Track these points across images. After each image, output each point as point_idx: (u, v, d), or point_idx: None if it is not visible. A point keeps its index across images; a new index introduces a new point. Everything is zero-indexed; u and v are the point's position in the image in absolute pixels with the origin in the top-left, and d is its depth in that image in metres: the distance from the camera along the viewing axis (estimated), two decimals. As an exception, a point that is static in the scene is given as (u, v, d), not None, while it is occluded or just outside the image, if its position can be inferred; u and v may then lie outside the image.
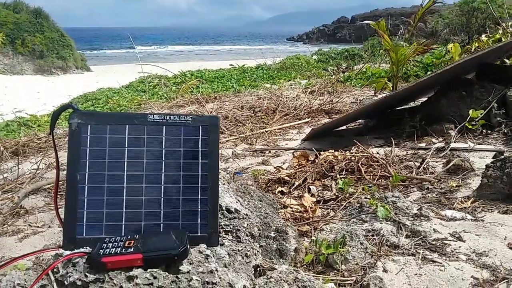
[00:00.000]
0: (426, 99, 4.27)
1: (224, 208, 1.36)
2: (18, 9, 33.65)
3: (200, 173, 1.17)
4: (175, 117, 1.18)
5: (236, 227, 1.32)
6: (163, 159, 1.16)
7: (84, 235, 1.13)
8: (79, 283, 1.01)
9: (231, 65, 18.12)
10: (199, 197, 1.16)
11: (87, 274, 1.01)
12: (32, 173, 4.02)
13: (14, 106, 16.20)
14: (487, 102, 3.68)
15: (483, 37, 6.67)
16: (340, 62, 17.45)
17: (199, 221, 1.15)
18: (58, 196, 1.49)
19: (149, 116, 1.17)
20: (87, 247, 1.09)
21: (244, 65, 17.39)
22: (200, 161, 1.17)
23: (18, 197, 3.38)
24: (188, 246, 1.06)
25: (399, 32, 8.01)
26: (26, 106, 16.04)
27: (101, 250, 1.04)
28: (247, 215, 1.40)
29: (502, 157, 2.44)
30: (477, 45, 6.61)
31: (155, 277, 1.00)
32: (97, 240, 1.10)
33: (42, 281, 1.04)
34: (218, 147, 1.19)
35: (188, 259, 1.07)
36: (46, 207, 3.30)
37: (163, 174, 1.16)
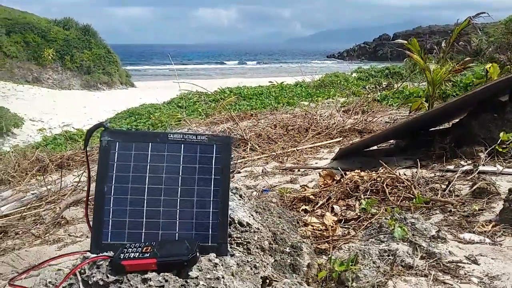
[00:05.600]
0: (457, 120, 4.25)
1: (236, 222, 1.47)
2: (68, 26, 35.45)
3: (212, 188, 1.29)
4: (192, 136, 1.31)
5: (247, 240, 1.43)
6: (180, 174, 1.30)
7: (109, 240, 1.27)
8: (101, 283, 1.15)
9: (270, 82, 18.28)
10: (211, 210, 1.28)
11: (108, 275, 1.15)
12: (74, 186, 4.27)
13: (62, 120, 17.01)
14: (519, 125, 3.64)
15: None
16: (380, 80, 17.28)
17: (210, 232, 1.28)
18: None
19: (170, 135, 1.31)
20: (111, 251, 1.24)
21: (282, 82, 17.52)
22: (213, 177, 1.30)
23: (60, 208, 3.61)
24: (198, 254, 1.18)
25: (434, 52, 7.93)
26: (73, 121, 16.81)
27: (121, 254, 1.18)
28: (258, 229, 1.50)
29: (525, 181, 2.43)
30: (516, 65, 6.49)
31: (166, 280, 1.13)
32: (120, 245, 1.24)
33: (70, 280, 1.18)
34: (230, 164, 1.31)
35: (198, 266, 1.19)
36: (85, 218, 3.51)
37: (179, 188, 1.29)
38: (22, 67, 32.34)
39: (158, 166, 1.30)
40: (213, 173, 1.30)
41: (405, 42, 5.87)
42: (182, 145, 1.31)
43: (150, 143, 1.30)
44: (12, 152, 6.44)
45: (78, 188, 4.16)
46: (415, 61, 5.81)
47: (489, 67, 6.34)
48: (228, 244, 1.37)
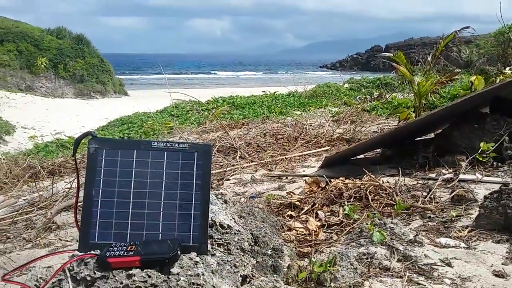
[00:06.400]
0: (440, 131, 4.38)
1: (218, 224, 1.57)
2: (61, 35, 35.53)
3: (194, 192, 1.39)
4: (175, 144, 1.41)
5: (228, 241, 1.52)
6: (164, 179, 1.39)
7: (96, 240, 1.36)
8: (88, 278, 1.23)
9: (263, 91, 18.39)
10: (192, 212, 1.38)
11: (95, 271, 1.24)
12: (65, 192, 4.34)
13: (54, 128, 17.01)
14: (498, 135, 3.77)
15: (507, 70, 6.70)
16: (371, 90, 17.45)
17: (191, 233, 1.37)
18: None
19: (153, 143, 1.41)
20: (98, 250, 1.32)
21: (275, 92, 17.63)
22: (194, 181, 1.39)
23: (51, 213, 3.67)
24: (179, 252, 1.27)
25: (419, 64, 8.11)
26: (65, 128, 16.82)
27: (107, 252, 1.27)
28: (239, 231, 1.60)
29: (499, 188, 2.54)
30: (501, 78, 6.65)
31: (149, 276, 1.22)
32: (106, 245, 1.33)
33: (60, 276, 1.26)
34: (210, 170, 1.40)
35: (179, 263, 1.28)
36: (74, 219, 3.58)
37: (163, 192, 1.38)
38: (15, 76, 32.31)
39: (143, 171, 1.39)
40: (194, 178, 1.40)
41: (391, 54, 6.01)
42: (165, 152, 1.40)
43: (135, 150, 1.40)
44: (3, 158, 6.48)
45: (69, 194, 4.22)
46: (402, 73, 5.95)
47: (474, 79, 6.50)
48: (209, 245, 1.46)
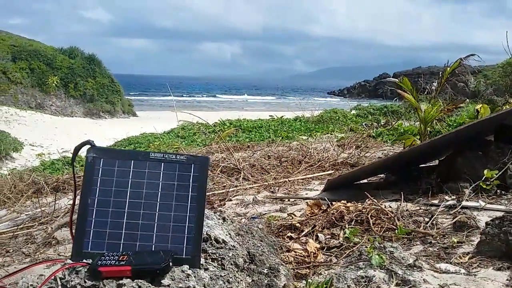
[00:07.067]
0: (444, 157, 4.36)
1: (212, 238, 1.56)
2: (74, 54, 36.17)
3: (189, 204, 1.39)
4: (172, 156, 1.42)
5: (222, 256, 1.52)
6: (159, 190, 1.40)
7: (89, 249, 1.36)
8: (79, 287, 1.23)
9: (271, 116, 18.47)
10: (187, 224, 1.38)
11: (86, 280, 1.23)
12: (67, 208, 4.34)
13: (62, 146, 17.12)
14: (503, 163, 3.74)
15: (513, 99, 6.70)
16: (378, 117, 17.46)
17: (184, 245, 1.36)
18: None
19: (151, 154, 1.42)
20: (90, 259, 1.32)
21: (282, 116, 17.70)
22: (190, 193, 1.40)
23: (51, 228, 3.67)
24: (171, 264, 1.27)
25: (425, 91, 8.13)
26: (72, 147, 16.86)
27: (99, 262, 1.26)
28: (234, 246, 1.59)
29: (501, 215, 2.51)
30: (507, 107, 6.65)
31: (139, 287, 1.21)
32: (99, 254, 1.33)
33: (50, 284, 1.26)
34: (206, 182, 1.41)
35: (171, 275, 1.27)
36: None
37: (158, 203, 1.39)
38: (26, 93, 32.81)
39: (139, 182, 1.40)
40: (190, 190, 1.40)
41: (397, 80, 6.05)
42: (162, 163, 1.41)
43: (132, 161, 1.41)
44: (9, 174, 6.53)
45: (74, 211, 4.22)
46: (407, 99, 5.97)
47: (480, 107, 6.50)
48: (203, 259, 1.45)
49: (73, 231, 1.40)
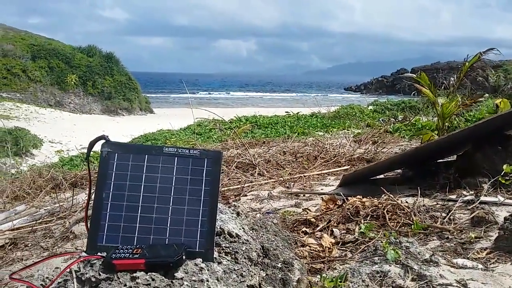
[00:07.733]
0: (462, 152, 4.29)
1: (226, 232, 1.56)
2: (92, 53, 36.66)
3: (202, 198, 1.40)
4: (186, 150, 1.42)
5: (235, 250, 1.52)
6: (173, 184, 1.40)
7: (104, 243, 1.37)
8: (93, 279, 1.25)
9: (287, 112, 18.41)
10: (200, 218, 1.38)
11: (100, 273, 1.25)
12: (85, 202, 4.41)
13: (80, 143, 17.36)
14: (522, 158, 3.67)
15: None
16: (396, 113, 17.26)
17: (198, 239, 1.37)
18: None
19: (164, 148, 1.43)
20: (105, 252, 1.34)
21: (298, 112, 17.63)
22: (203, 188, 1.40)
23: (69, 222, 3.73)
24: (184, 257, 1.28)
25: (443, 86, 8.01)
26: (90, 143, 17.10)
27: (113, 255, 1.28)
28: (247, 240, 1.59)
29: (520, 210, 2.46)
30: (528, 101, 6.50)
31: (153, 279, 1.22)
32: (113, 247, 1.34)
33: (66, 277, 1.28)
34: (219, 177, 1.41)
35: (184, 268, 1.28)
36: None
37: (172, 197, 1.40)
38: (45, 91, 33.36)
39: (153, 176, 1.41)
40: (203, 184, 1.41)
41: (414, 75, 5.97)
42: (176, 158, 1.42)
43: (146, 155, 1.42)
44: (28, 170, 6.65)
45: (89, 205, 4.28)
46: (425, 94, 5.89)
47: (500, 102, 6.38)
48: (216, 252, 1.46)
49: (88, 225, 1.42)
